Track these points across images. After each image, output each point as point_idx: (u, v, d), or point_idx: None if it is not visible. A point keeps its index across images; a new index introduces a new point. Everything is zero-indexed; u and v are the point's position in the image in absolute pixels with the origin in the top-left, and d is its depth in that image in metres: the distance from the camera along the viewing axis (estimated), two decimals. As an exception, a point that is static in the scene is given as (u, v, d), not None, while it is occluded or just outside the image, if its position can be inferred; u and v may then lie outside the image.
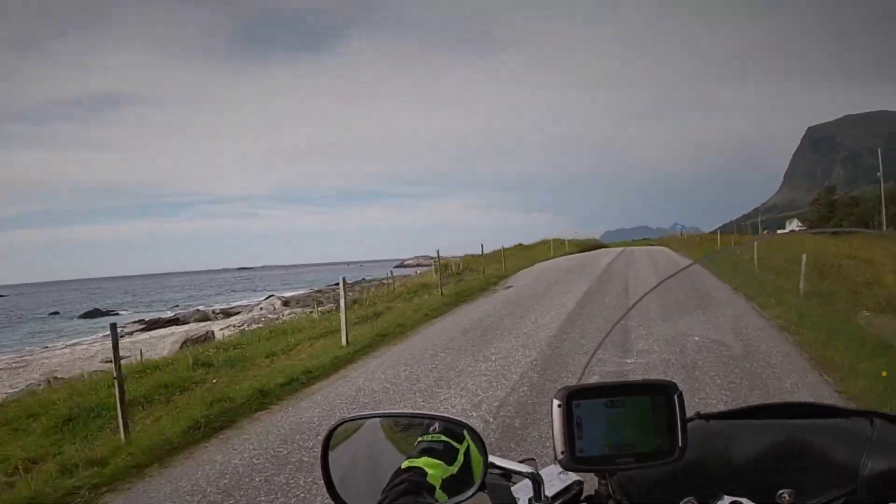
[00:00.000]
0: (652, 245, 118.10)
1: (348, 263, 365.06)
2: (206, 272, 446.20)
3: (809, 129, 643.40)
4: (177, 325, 46.60)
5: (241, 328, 28.29)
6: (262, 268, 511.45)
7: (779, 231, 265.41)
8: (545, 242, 54.53)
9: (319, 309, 24.42)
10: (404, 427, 1.29)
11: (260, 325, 24.50)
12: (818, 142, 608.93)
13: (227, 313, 51.09)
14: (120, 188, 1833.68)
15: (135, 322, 52.68)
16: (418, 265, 67.70)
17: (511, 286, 19.22)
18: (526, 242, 57.01)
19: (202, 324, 42.22)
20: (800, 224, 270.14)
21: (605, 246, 71.37)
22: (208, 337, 24.12)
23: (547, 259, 36.43)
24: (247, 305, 59.24)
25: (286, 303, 49.62)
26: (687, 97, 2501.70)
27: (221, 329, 30.86)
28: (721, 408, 1.45)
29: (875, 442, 1.17)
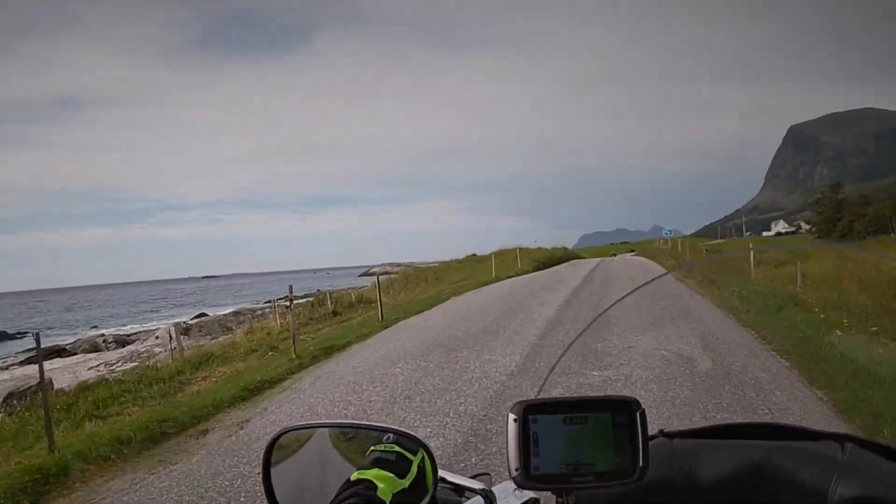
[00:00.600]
0: (631, 251, 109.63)
1: (315, 271, 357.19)
2: (171, 281, 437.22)
3: (791, 127, 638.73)
4: (60, 356, 39.43)
5: (115, 367, 23.13)
6: (231, 276, 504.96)
7: (764, 233, 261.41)
8: (506, 252, 45.49)
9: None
10: (356, 435, 1.26)
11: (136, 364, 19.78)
12: (801, 141, 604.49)
13: (122, 342, 43.48)
14: (82, 193, 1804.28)
15: (26, 351, 46.08)
16: (385, 273, 63.45)
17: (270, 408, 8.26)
18: (500, 247, 48.25)
19: (91, 355, 36.80)
20: (786, 225, 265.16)
21: (578, 256, 62.05)
22: (45, 389, 15.46)
23: (481, 285, 26.20)
24: (153, 331, 50.66)
25: (186, 330, 40.88)
26: (667, 98, 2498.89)
27: (92, 368, 25.04)
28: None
29: (845, 466, 1.14)
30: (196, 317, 59.94)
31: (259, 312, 44.86)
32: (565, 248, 65.59)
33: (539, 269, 35.66)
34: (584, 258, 70.64)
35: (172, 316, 73.54)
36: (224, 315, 53.50)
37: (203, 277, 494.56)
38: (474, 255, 51.98)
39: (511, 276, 30.18)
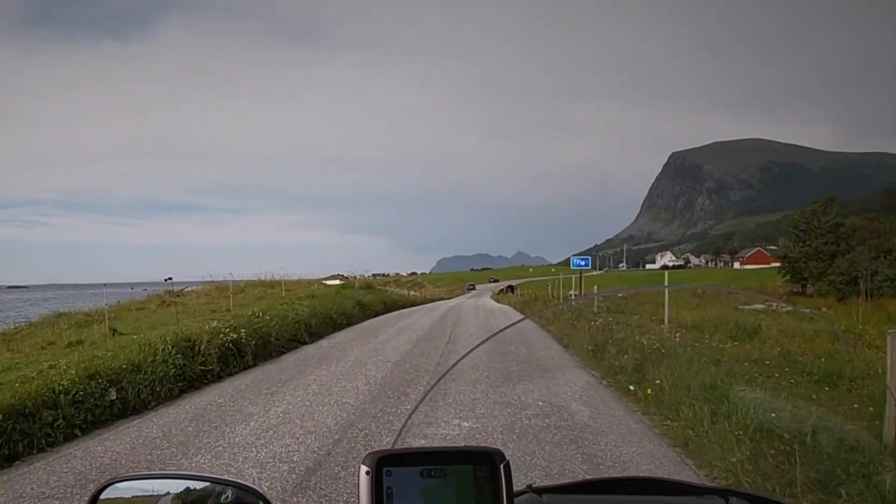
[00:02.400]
0: (493, 280, 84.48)
1: (132, 286, 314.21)
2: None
3: (673, 154, 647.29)
4: None
5: None
6: (45, 287, 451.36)
7: (648, 266, 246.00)
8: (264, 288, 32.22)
9: None
10: (190, 501, 1.18)
11: None
12: (682, 169, 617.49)
13: None
14: None
15: None
16: (189, 290, 47.42)
17: None
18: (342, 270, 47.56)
19: None
20: (673, 258, 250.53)
21: (397, 301, 35.16)
22: None
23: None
24: None
25: None
26: (538, 116, 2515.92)
27: None
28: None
29: None
30: None
31: None
32: (371, 285, 39.01)
33: None
34: (413, 301, 42.85)
35: None
36: None
37: (9, 287, 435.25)
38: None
39: None
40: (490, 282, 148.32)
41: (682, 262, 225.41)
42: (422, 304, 44.43)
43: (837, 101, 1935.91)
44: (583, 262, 37.60)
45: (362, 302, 27.76)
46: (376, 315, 28.16)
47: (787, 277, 51.21)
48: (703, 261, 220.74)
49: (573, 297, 32.99)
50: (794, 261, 50.13)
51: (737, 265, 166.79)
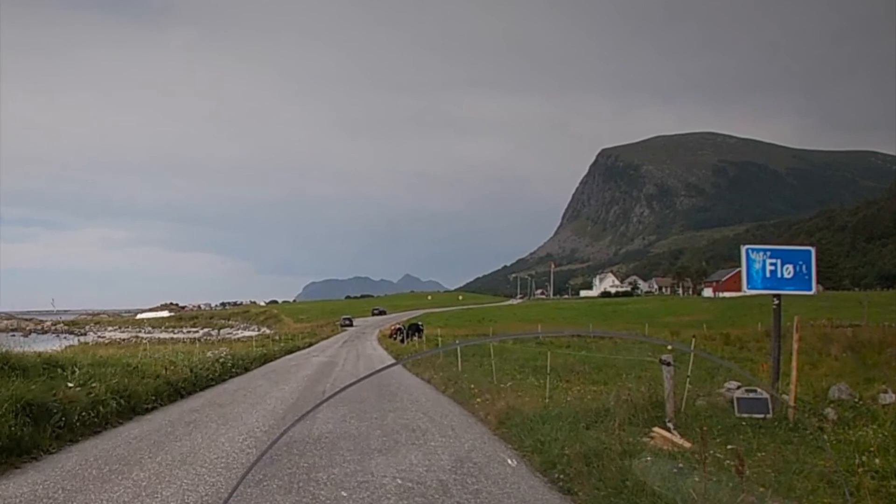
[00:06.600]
0: (379, 312, 45.89)
1: None
2: None
3: (602, 152, 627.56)
4: None
5: None
6: None
7: (583, 293, 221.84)
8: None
9: None
10: None
11: None
12: (615, 171, 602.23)
13: None
14: None
15: None
16: None
17: None
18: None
19: None
20: (616, 281, 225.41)
21: None
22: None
23: None
24: None
25: None
26: (427, 108, 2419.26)
27: None
28: None
29: None
30: None
31: None
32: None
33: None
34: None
35: None
36: None
37: None
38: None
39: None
40: (374, 314, 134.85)
41: (627, 288, 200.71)
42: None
43: (806, 86, 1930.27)
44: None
45: None
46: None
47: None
48: (657, 286, 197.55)
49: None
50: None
51: (708, 292, 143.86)
